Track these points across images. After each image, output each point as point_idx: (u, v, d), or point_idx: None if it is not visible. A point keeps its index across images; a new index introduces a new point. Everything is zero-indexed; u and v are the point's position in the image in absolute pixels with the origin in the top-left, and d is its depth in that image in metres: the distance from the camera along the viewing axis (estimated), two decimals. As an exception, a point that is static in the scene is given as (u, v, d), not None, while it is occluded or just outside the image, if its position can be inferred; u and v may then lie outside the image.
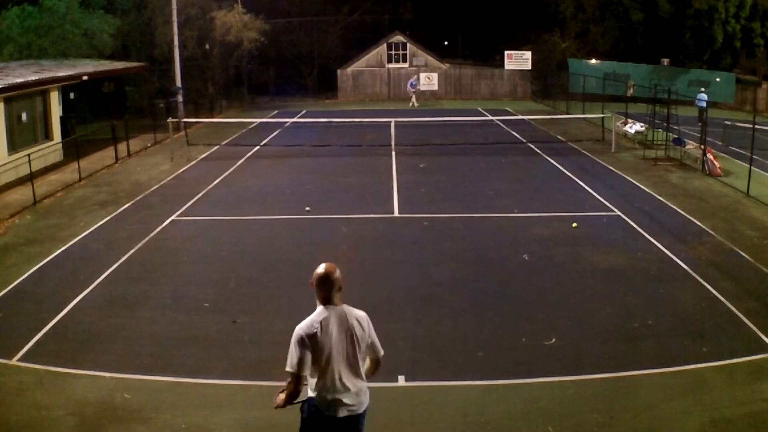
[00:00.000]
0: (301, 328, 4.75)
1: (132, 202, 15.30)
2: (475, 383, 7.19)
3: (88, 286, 10.05)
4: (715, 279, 10.08)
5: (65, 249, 11.97)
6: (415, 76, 38.18)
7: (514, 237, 12.41)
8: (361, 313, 4.87)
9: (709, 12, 34.90)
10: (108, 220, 13.80)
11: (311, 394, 4.87)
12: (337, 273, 4.77)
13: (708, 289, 9.73)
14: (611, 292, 9.68)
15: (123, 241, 12.27)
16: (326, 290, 4.75)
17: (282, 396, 4.84)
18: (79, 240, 12.50)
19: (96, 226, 13.35)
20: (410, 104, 35.12)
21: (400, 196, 15.46)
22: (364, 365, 4.88)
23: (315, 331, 4.69)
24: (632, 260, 11.01)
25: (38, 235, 12.87)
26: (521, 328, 8.53)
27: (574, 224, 12.89)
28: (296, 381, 4.73)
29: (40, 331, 8.53)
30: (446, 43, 44.05)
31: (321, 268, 4.77)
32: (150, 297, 9.73)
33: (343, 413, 4.81)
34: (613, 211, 14.06)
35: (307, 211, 13.91)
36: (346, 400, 4.78)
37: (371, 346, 4.88)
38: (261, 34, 34.58)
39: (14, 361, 7.76)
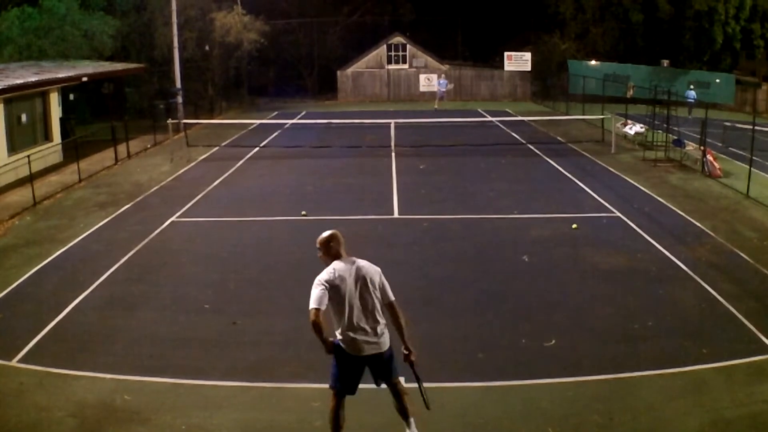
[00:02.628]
0: (319, 276, 5.46)
1: (132, 203, 15.30)
2: (474, 384, 7.20)
3: (87, 288, 10.05)
4: (715, 280, 10.08)
5: (65, 250, 11.97)
6: (443, 76, 36.82)
7: (513, 238, 12.41)
8: (367, 263, 5.64)
9: (709, 13, 34.90)
10: (108, 222, 13.80)
11: (338, 337, 5.54)
12: (339, 233, 5.65)
13: (708, 290, 9.73)
14: (611, 293, 9.68)
15: (123, 242, 12.27)
16: (335, 247, 5.59)
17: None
18: (79, 241, 12.50)
19: (96, 228, 13.35)
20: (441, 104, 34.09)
21: (400, 197, 15.46)
22: (381, 308, 5.55)
23: (331, 276, 5.41)
24: (632, 261, 11.01)
25: (38, 236, 12.87)
26: (521, 328, 8.53)
27: (574, 225, 12.89)
28: (316, 314, 5.31)
29: (39, 332, 8.52)
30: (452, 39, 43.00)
31: (326, 233, 5.65)
32: (150, 298, 9.73)
33: (367, 351, 5.51)
34: (612, 212, 14.06)
35: (304, 215, 13.87)
36: (368, 338, 5.47)
37: (385, 289, 5.58)
38: (261, 35, 34.59)
39: (14, 363, 7.76)
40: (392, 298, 5.63)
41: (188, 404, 6.87)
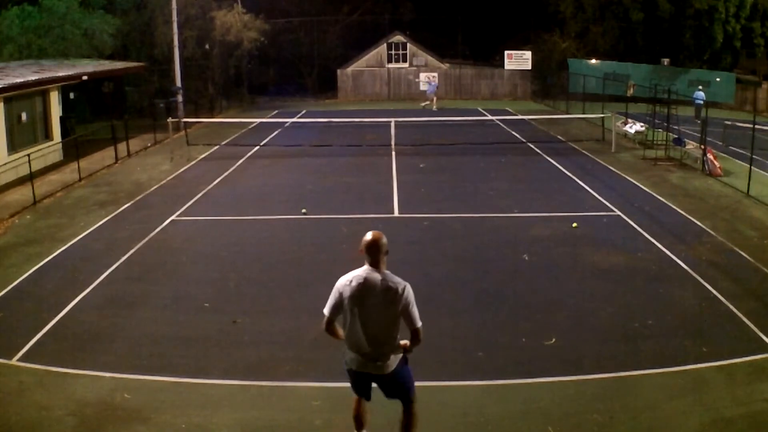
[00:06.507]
0: (340, 279, 5.21)
1: (132, 202, 15.29)
2: (475, 383, 7.19)
3: (88, 286, 10.05)
4: (715, 279, 10.08)
5: (65, 249, 11.97)
6: (433, 77, 36.71)
7: (514, 237, 12.40)
8: (400, 282, 5.13)
9: (709, 12, 34.90)
10: (108, 220, 13.80)
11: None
12: (384, 239, 5.19)
13: (708, 289, 9.73)
14: (611, 292, 9.68)
15: (123, 241, 12.27)
16: (374, 254, 5.15)
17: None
18: (79, 240, 12.50)
19: (96, 226, 13.35)
20: (427, 106, 33.65)
21: (400, 196, 15.46)
22: (396, 332, 5.18)
23: (347, 283, 5.13)
24: (632, 260, 11.01)
25: (38, 235, 12.87)
26: (521, 328, 8.53)
27: (574, 224, 12.89)
28: (327, 322, 5.23)
29: (40, 331, 8.52)
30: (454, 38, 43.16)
31: (369, 235, 5.19)
32: (150, 297, 9.73)
33: (363, 369, 5.24)
34: (613, 211, 14.06)
35: (304, 213, 13.89)
36: (365, 359, 5.19)
37: (407, 316, 5.13)
38: (261, 34, 34.59)
39: (14, 361, 7.76)
40: (418, 324, 5.19)
41: (188, 403, 6.87)
